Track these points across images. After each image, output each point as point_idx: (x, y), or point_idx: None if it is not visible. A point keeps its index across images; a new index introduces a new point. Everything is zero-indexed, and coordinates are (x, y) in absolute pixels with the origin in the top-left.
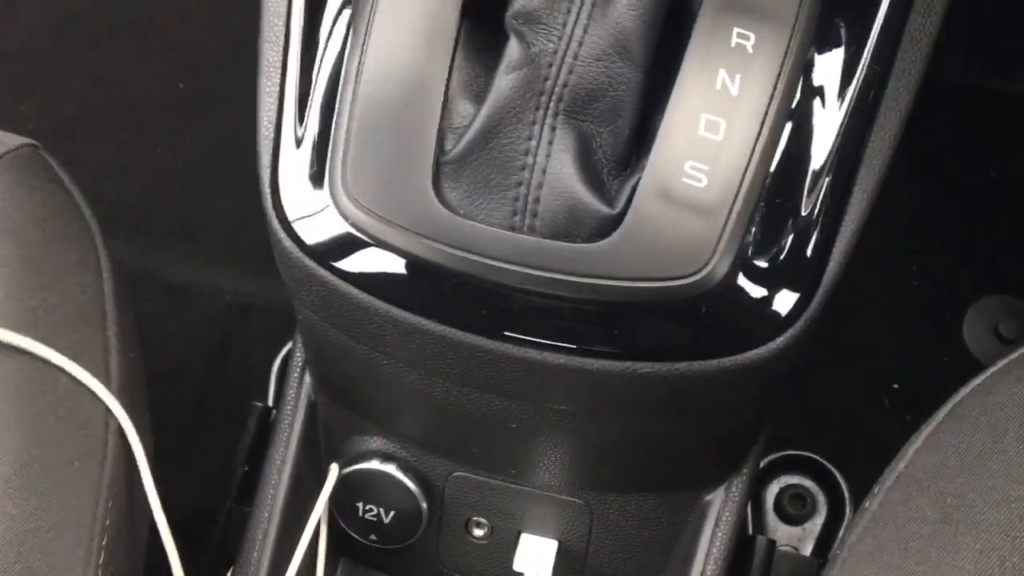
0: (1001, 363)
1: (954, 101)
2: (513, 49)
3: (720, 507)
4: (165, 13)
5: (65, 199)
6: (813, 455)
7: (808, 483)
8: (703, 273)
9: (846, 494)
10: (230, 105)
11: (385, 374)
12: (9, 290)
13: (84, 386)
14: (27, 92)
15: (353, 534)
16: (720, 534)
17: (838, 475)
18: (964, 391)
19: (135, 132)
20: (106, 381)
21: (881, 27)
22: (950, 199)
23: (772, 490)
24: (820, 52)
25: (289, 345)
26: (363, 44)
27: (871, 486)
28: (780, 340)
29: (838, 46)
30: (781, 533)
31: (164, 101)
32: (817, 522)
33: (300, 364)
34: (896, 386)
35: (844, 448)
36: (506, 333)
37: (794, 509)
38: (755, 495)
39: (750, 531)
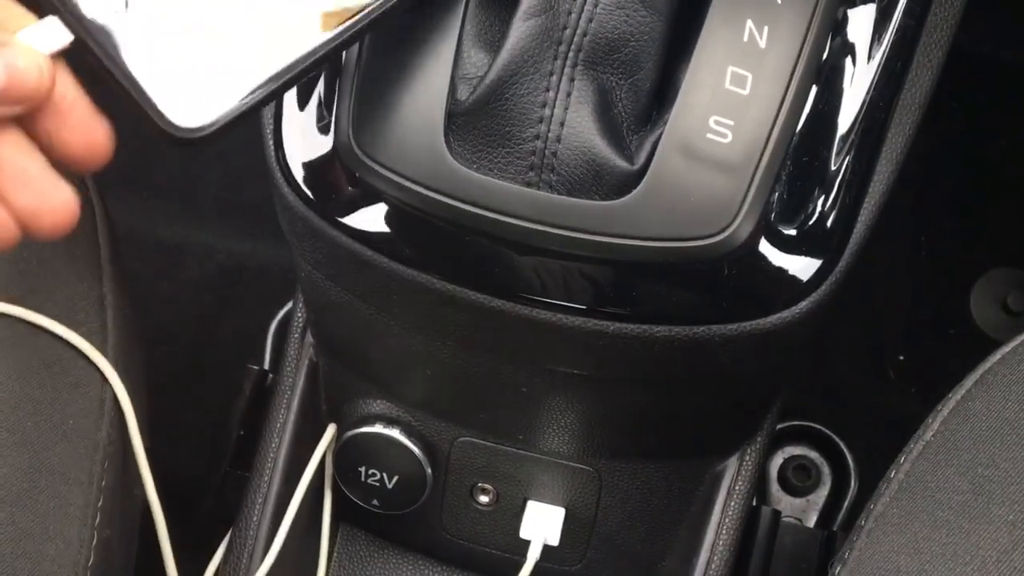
0: None
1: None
2: None
3: (733, 476)
4: None
5: None
6: (818, 426)
7: (813, 454)
8: (726, 234)
9: (851, 466)
10: None
11: (391, 335)
12: None
13: (78, 349)
14: None
15: (355, 499)
16: (733, 504)
17: (843, 446)
18: (993, 359)
19: None
20: (102, 339)
21: None
22: (957, 170)
23: (776, 461)
24: (851, 7)
25: (287, 307)
26: None
27: (876, 457)
28: (802, 305)
29: (870, 2)
30: (785, 504)
31: None
32: (821, 494)
33: (301, 325)
34: (902, 358)
35: (849, 420)
36: (519, 293)
37: (798, 480)
38: None
39: (754, 502)
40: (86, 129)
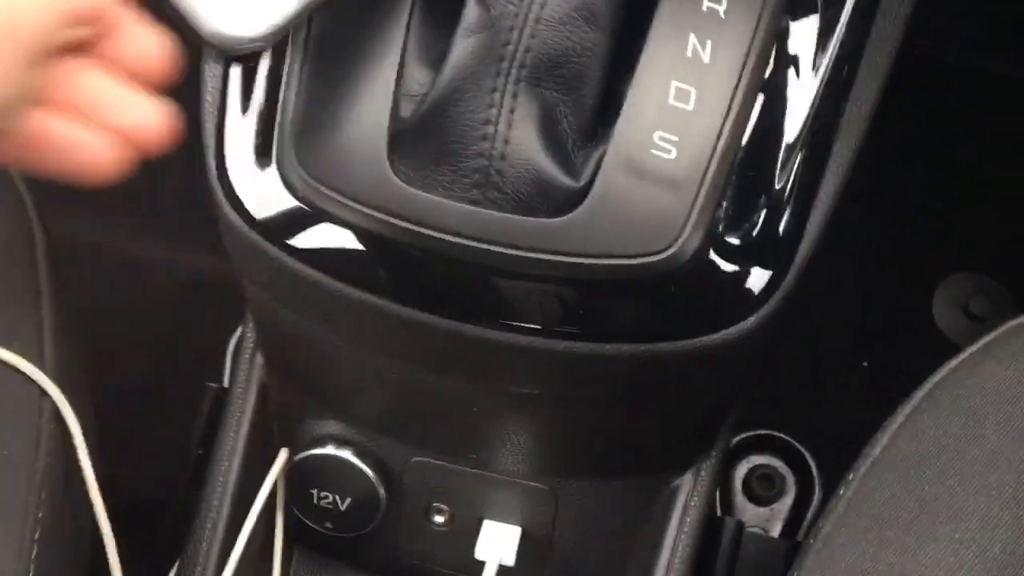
0: (979, 344)
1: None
2: (471, 11)
3: (688, 492)
4: None
5: None
6: (782, 435)
7: (777, 463)
8: (672, 250)
9: (815, 474)
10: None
11: (339, 355)
12: None
13: (14, 368)
14: None
15: (308, 522)
16: (688, 519)
17: (807, 455)
18: (941, 372)
19: None
20: (39, 363)
21: None
22: (916, 175)
23: (740, 470)
24: (794, 19)
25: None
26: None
27: (839, 466)
28: (752, 319)
29: (813, 12)
30: (749, 514)
31: None
32: (786, 503)
33: (251, 344)
34: (865, 364)
35: (812, 428)
36: (466, 313)
37: (762, 490)
38: (723, 476)
39: (718, 512)
40: (149, 46)
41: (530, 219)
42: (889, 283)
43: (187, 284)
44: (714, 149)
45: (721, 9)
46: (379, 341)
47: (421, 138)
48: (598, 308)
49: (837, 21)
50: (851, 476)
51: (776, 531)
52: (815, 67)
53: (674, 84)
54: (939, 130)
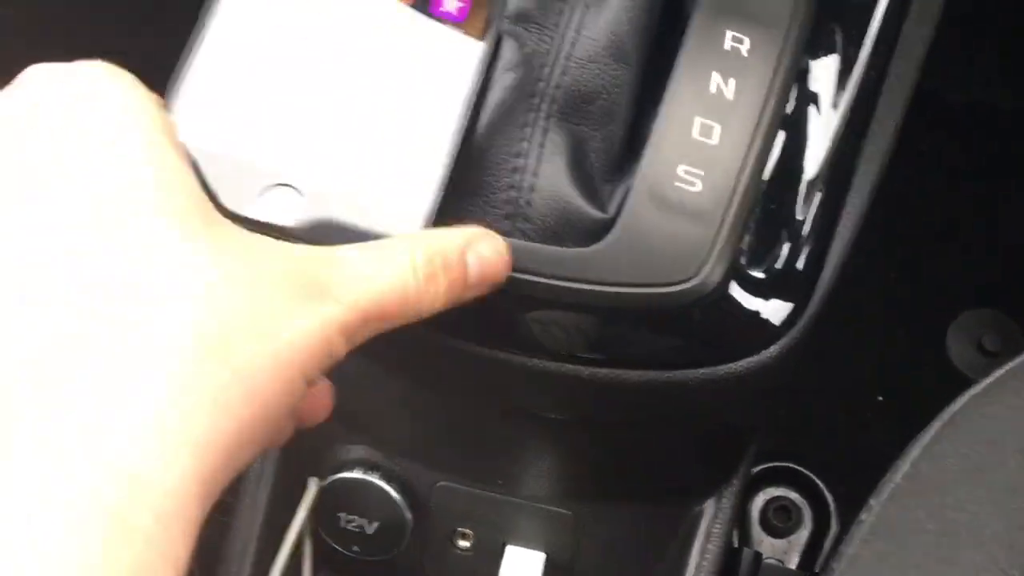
0: (995, 375)
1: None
2: (507, 50)
3: (710, 518)
4: None
5: None
6: (798, 467)
7: (793, 495)
8: (696, 280)
9: (832, 506)
10: None
11: (369, 380)
12: None
13: None
14: None
15: (335, 545)
16: (711, 546)
17: (823, 487)
18: (961, 400)
19: None
20: None
21: (876, 34)
22: (931, 211)
23: (757, 502)
24: (815, 58)
25: None
26: None
27: (856, 498)
28: (774, 349)
29: (832, 52)
30: (766, 546)
31: None
32: (803, 535)
33: None
34: (880, 398)
35: (829, 460)
36: (494, 339)
37: (779, 521)
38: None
39: (735, 544)
40: None
41: (558, 248)
42: (904, 318)
43: None
44: (737, 183)
45: (744, 48)
46: (409, 367)
47: (455, 170)
48: (623, 336)
49: (856, 60)
50: (872, 502)
51: (793, 563)
52: (835, 105)
53: (698, 120)
54: (949, 167)
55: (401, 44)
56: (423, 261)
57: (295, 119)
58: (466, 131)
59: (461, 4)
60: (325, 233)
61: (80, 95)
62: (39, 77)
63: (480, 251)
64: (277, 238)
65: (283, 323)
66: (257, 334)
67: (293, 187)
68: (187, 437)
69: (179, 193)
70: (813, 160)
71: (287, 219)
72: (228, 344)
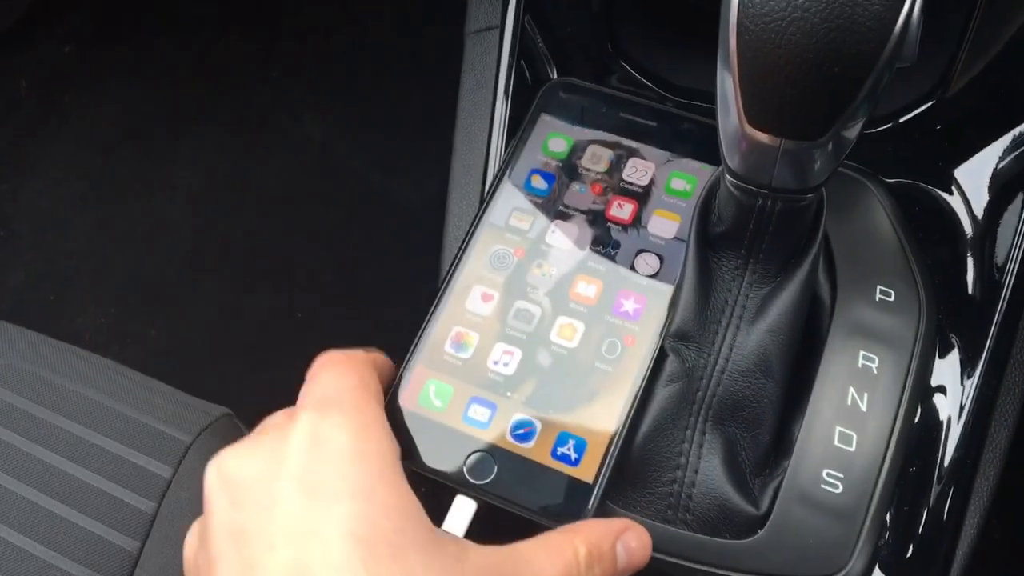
0: None
1: None
2: (671, 364)
3: None
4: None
5: None
6: None
7: None
8: (842, 573)
9: None
10: (340, 334)
11: None
12: None
13: None
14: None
15: None
16: None
17: None
18: None
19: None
20: None
21: (989, 350)
22: None
23: None
24: (937, 371)
25: None
26: None
27: None
28: None
29: (953, 367)
30: None
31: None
32: None
33: None
34: None
35: None
36: None
37: None
38: None
39: None
40: None
41: (717, 540)
42: None
43: None
44: (875, 485)
45: (874, 366)
46: None
47: (624, 464)
48: None
49: (973, 375)
50: None
51: None
52: (959, 415)
53: (838, 429)
54: None
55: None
56: (584, 553)
57: (502, 384)
58: (631, 432)
59: (637, 306)
60: (504, 497)
61: (314, 441)
62: (275, 423)
63: (628, 542)
64: (465, 494)
65: None
66: None
67: (490, 455)
68: None
69: (419, 527)
70: (941, 461)
71: (480, 480)
72: None
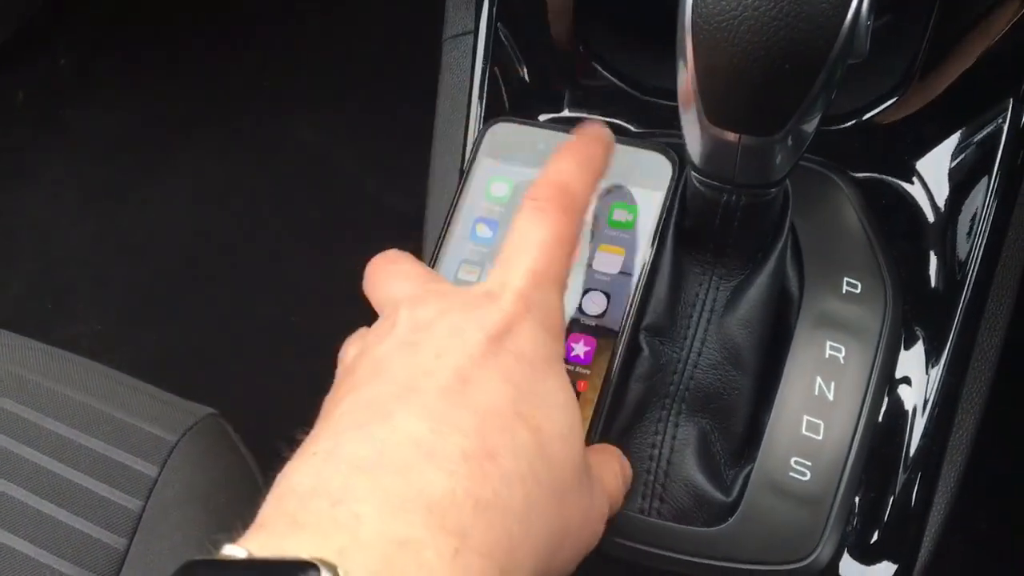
0: None
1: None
2: (645, 360)
3: None
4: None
5: (240, 464)
6: None
7: None
8: (810, 559)
9: None
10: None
11: None
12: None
13: None
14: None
15: None
16: None
17: None
18: None
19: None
20: None
21: (953, 341)
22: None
23: None
24: (903, 362)
25: None
26: None
27: None
28: None
29: (919, 357)
30: None
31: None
32: None
33: None
34: None
35: None
36: None
37: None
38: None
39: None
40: None
41: (689, 528)
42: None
43: None
44: (843, 472)
45: (841, 356)
46: None
47: None
48: None
49: (938, 365)
50: None
51: None
52: (924, 403)
53: (805, 418)
54: None
55: None
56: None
57: None
58: (606, 427)
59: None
60: None
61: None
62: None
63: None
64: None
65: None
66: None
67: None
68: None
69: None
70: (907, 449)
71: None
72: None
